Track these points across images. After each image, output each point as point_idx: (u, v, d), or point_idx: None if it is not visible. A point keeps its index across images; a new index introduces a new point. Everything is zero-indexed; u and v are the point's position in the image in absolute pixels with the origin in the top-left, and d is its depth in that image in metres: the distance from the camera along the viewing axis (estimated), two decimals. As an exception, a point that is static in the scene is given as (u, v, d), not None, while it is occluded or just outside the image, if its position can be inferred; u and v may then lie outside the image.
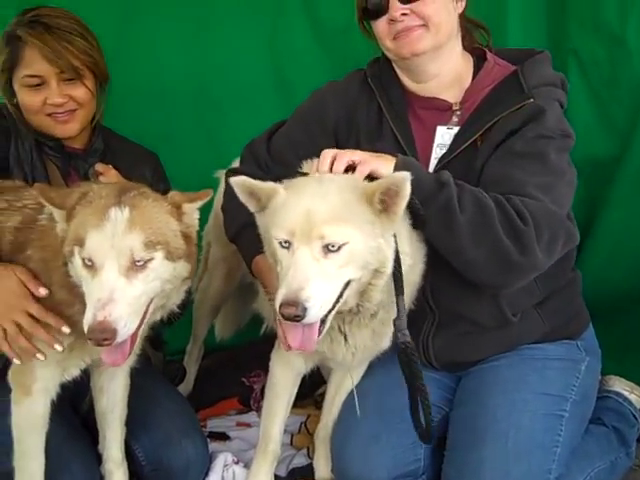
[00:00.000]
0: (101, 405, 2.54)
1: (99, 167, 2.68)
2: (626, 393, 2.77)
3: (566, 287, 2.59)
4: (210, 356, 3.57)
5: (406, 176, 2.03)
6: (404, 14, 2.39)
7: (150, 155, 2.95)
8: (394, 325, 2.18)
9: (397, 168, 2.19)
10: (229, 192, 2.60)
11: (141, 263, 2.03)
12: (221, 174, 3.22)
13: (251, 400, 3.34)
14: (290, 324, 2.04)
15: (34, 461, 2.32)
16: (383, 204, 2.07)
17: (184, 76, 3.68)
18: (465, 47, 2.57)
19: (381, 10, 2.43)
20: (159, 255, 2.07)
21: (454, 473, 2.39)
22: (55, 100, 2.59)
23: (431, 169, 2.46)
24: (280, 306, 1.98)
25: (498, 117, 2.37)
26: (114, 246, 2.01)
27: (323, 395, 3.08)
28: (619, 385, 2.80)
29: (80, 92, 2.63)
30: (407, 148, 2.47)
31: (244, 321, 3.58)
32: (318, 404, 3.18)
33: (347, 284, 2.09)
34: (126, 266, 2.02)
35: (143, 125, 3.47)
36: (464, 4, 2.49)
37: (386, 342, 2.44)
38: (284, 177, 2.49)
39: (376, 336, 2.39)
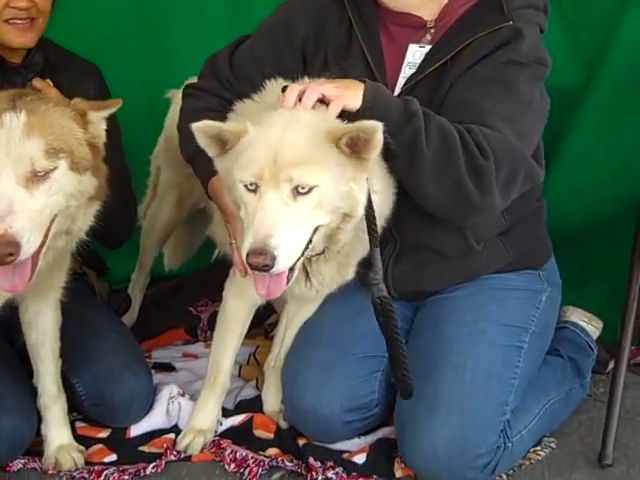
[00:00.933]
0: (31, 339, 2.40)
1: (37, 83, 2.46)
2: (583, 324, 2.74)
3: (531, 216, 2.52)
4: (156, 285, 3.44)
5: (377, 126, 1.91)
6: None
7: (93, 68, 2.75)
8: (369, 279, 2.09)
9: (365, 97, 2.06)
10: (186, 109, 2.49)
11: (42, 173, 1.87)
12: (173, 94, 3.09)
13: (198, 330, 3.24)
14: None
15: None
16: (352, 149, 1.95)
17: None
18: None
19: None
20: (62, 164, 1.90)
21: (407, 405, 2.30)
22: (20, 3, 2.39)
23: (398, 89, 2.32)
24: (247, 255, 1.88)
25: (472, 38, 2.22)
26: (10, 154, 1.83)
27: (273, 325, 3.09)
28: (577, 316, 2.76)
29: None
30: (375, 67, 2.32)
31: (193, 251, 3.45)
32: (268, 334, 3.15)
33: (316, 229, 1.99)
34: (25, 176, 1.85)
35: (90, 40, 3.26)
36: None
37: (350, 273, 2.35)
38: (248, 96, 2.37)
39: (340, 268, 2.30)
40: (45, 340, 2.39)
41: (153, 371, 2.74)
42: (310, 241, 2.00)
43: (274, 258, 1.87)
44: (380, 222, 2.17)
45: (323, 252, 2.17)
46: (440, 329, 2.41)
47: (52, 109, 1.94)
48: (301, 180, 1.91)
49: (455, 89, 2.22)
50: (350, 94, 2.08)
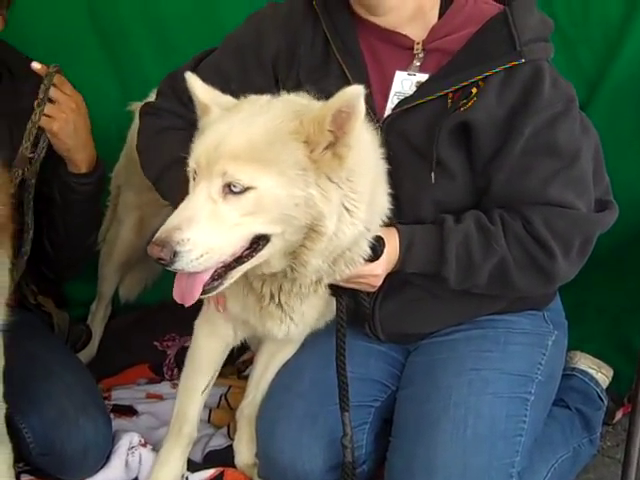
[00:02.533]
0: None
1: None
2: (592, 372, 2.54)
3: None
4: (117, 316, 3.19)
5: (358, 91, 1.67)
6: None
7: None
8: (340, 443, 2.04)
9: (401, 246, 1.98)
10: (146, 128, 2.29)
11: None
12: (136, 107, 2.84)
13: (164, 367, 2.99)
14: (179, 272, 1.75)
15: None
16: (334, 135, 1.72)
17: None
18: None
19: None
20: None
21: (401, 464, 2.09)
22: None
23: (386, 113, 2.10)
24: (149, 244, 1.70)
25: (484, 75, 1.99)
26: None
27: (246, 363, 2.89)
28: (585, 362, 2.56)
29: None
30: None
31: (151, 279, 3.20)
32: (240, 373, 2.93)
33: (265, 240, 1.76)
34: None
35: (48, 46, 3.03)
36: None
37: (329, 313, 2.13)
38: None
39: (323, 305, 2.08)
40: None
41: (112, 415, 2.50)
42: (254, 251, 1.77)
43: (175, 253, 1.67)
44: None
45: (294, 278, 1.92)
46: (436, 377, 2.19)
47: None
48: (234, 177, 1.70)
49: (498, 179, 2.01)
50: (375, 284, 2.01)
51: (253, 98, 1.87)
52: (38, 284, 2.61)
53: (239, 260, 1.78)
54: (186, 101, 2.19)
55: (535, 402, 2.17)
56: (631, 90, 2.87)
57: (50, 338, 2.54)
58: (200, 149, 1.77)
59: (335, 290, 2.02)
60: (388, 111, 2.10)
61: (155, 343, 3.09)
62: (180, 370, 2.87)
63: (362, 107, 1.68)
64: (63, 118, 2.27)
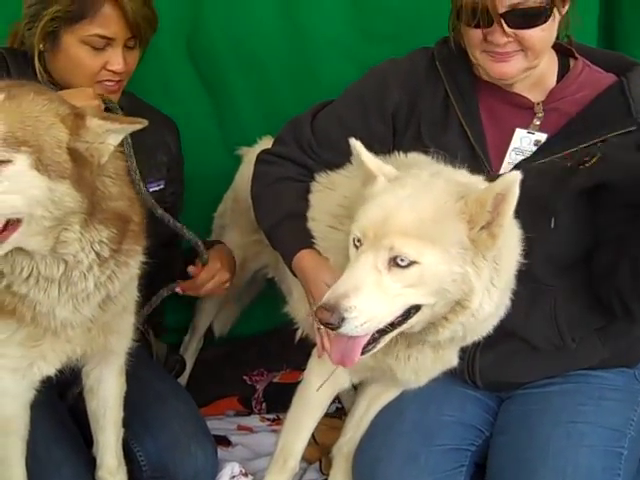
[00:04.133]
0: (92, 407, 2.25)
1: None
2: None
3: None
4: (208, 349, 3.27)
5: (516, 177, 1.75)
6: (509, 40, 2.10)
7: (172, 122, 2.69)
8: None
9: None
10: (264, 176, 2.37)
11: None
12: (245, 151, 2.99)
13: (253, 401, 3.09)
14: (334, 335, 1.85)
15: (11, 469, 2.03)
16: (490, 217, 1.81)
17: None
18: None
19: (480, 25, 2.11)
20: (22, 159, 1.63)
21: None
22: (117, 67, 2.33)
23: (502, 171, 2.21)
24: (317, 308, 1.77)
25: (601, 139, 2.11)
26: None
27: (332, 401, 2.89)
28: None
29: (133, 59, 2.40)
30: (478, 147, 2.21)
31: (239, 314, 3.29)
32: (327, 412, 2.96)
33: (417, 308, 1.85)
34: None
35: (151, 91, 3.03)
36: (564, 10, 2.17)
37: (454, 360, 2.21)
38: (334, 163, 2.29)
39: (443, 354, 2.16)
40: (107, 410, 2.23)
41: (212, 445, 2.57)
42: (407, 318, 1.86)
43: (342, 319, 1.75)
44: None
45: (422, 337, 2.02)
46: (533, 426, 2.25)
47: (37, 100, 1.70)
48: (401, 252, 1.78)
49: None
50: None
51: (415, 173, 1.94)
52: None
53: (392, 325, 1.86)
54: (306, 147, 2.34)
55: (628, 456, 2.22)
56: None
57: (158, 367, 2.65)
58: (368, 221, 1.83)
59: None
60: (505, 166, 2.21)
61: (244, 377, 3.19)
62: (268, 404, 3.03)
63: (517, 191, 1.76)
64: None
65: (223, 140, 3.19)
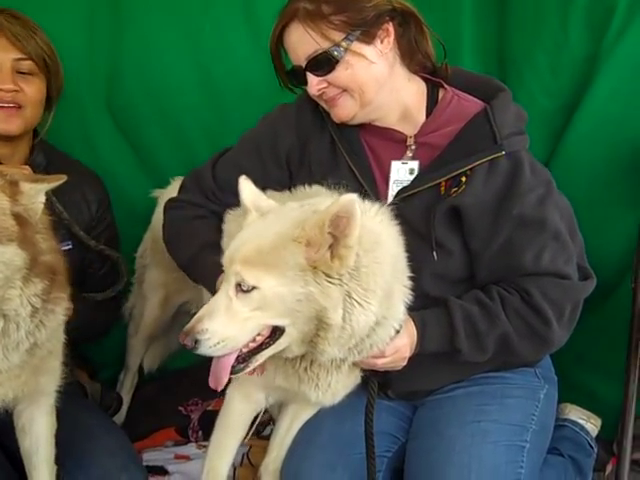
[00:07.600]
0: (25, 446, 2.32)
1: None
2: (582, 422, 2.74)
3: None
4: (144, 384, 3.38)
5: (351, 197, 1.86)
6: (322, 87, 2.28)
7: (94, 175, 2.80)
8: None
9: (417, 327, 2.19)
10: (173, 220, 2.51)
11: None
12: (159, 193, 3.10)
13: (189, 430, 3.17)
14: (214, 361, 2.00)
15: None
16: (334, 236, 1.91)
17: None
18: (415, 71, 2.41)
19: (302, 84, 2.33)
20: None
21: None
22: (6, 85, 2.41)
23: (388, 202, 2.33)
24: (180, 333, 1.95)
25: (470, 167, 2.25)
26: None
27: (264, 424, 3.02)
28: (575, 414, 2.76)
29: (32, 89, 2.47)
30: (365, 182, 2.34)
31: (171, 351, 3.39)
32: (260, 434, 3.04)
33: (281, 330, 1.99)
34: None
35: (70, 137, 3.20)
36: (391, 40, 2.28)
37: (357, 377, 2.34)
38: (239, 205, 2.35)
39: (349, 373, 2.29)
40: (39, 447, 2.31)
41: (147, 475, 2.65)
42: (272, 340, 1.99)
43: (197, 341, 1.91)
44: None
45: (311, 358, 2.15)
46: (441, 430, 2.38)
47: None
48: (243, 278, 1.92)
49: (491, 248, 2.23)
50: (401, 363, 2.22)
51: (288, 205, 2.06)
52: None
53: (261, 347, 2.00)
54: (209, 194, 2.47)
55: (531, 449, 2.35)
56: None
57: (89, 404, 2.73)
58: (227, 251, 2.01)
59: (365, 371, 2.28)
60: (390, 197, 2.34)
61: (180, 408, 3.27)
62: (203, 433, 3.11)
63: (357, 212, 1.85)
64: None
65: (142, 185, 3.31)
